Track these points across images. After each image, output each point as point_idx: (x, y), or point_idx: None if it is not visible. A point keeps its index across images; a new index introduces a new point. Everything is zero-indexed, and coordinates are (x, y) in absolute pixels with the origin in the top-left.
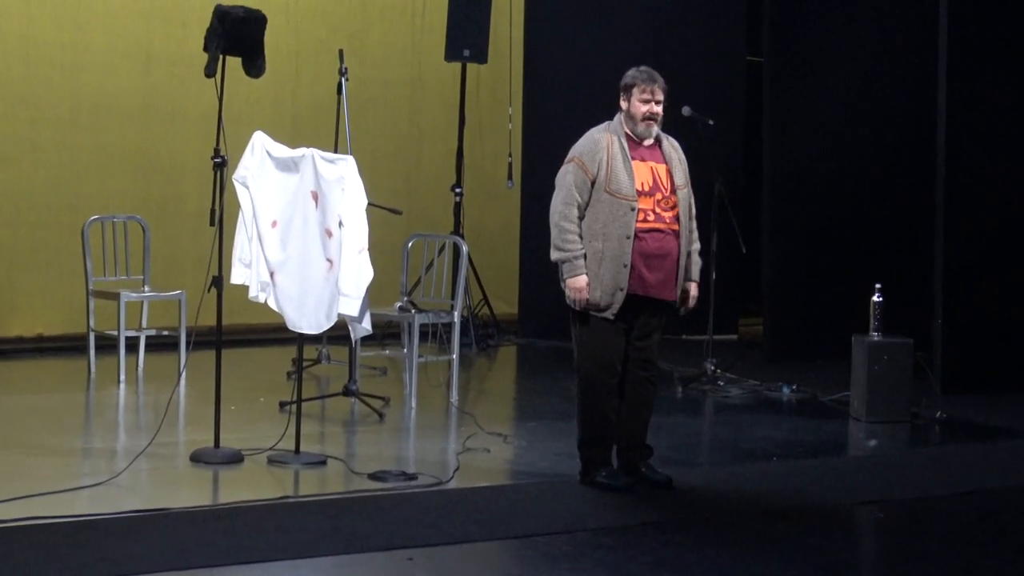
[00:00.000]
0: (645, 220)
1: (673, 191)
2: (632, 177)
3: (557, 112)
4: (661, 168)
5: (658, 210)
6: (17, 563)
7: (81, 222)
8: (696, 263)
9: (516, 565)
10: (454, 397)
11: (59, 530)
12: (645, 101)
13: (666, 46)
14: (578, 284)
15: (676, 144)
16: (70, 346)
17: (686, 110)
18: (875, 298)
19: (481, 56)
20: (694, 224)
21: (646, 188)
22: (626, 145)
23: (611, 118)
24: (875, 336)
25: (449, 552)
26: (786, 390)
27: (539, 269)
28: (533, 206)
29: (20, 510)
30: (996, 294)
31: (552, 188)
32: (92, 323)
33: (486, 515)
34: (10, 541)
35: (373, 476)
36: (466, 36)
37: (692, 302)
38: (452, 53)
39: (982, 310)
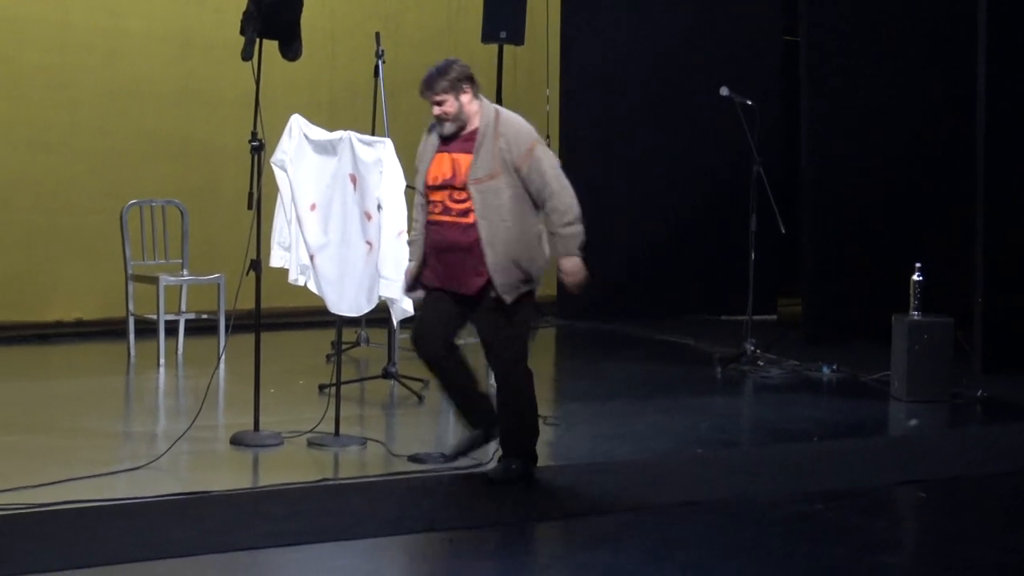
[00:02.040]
0: (434, 213)
1: (465, 183)
2: (427, 172)
3: (594, 93)
4: (465, 159)
5: (448, 203)
6: (57, 546)
7: (119, 207)
8: (563, 237)
9: (558, 546)
10: (492, 380)
11: (99, 513)
12: (431, 107)
13: (703, 26)
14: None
15: (506, 130)
16: (109, 330)
17: (724, 91)
18: (915, 277)
19: (518, 38)
20: (553, 203)
21: (438, 182)
22: (436, 140)
23: (646, 97)
24: (915, 315)
25: (489, 533)
26: (826, 370)
27: None
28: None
29: (60, 494)
30: None
31: (590, 168)
32: (131, 307)
33: (526, 496)
34: (51, 524)
35: (413, 458)
36: (503, 18)
37: (569, 277)
38: (489, 35)
39: (1023, 288)
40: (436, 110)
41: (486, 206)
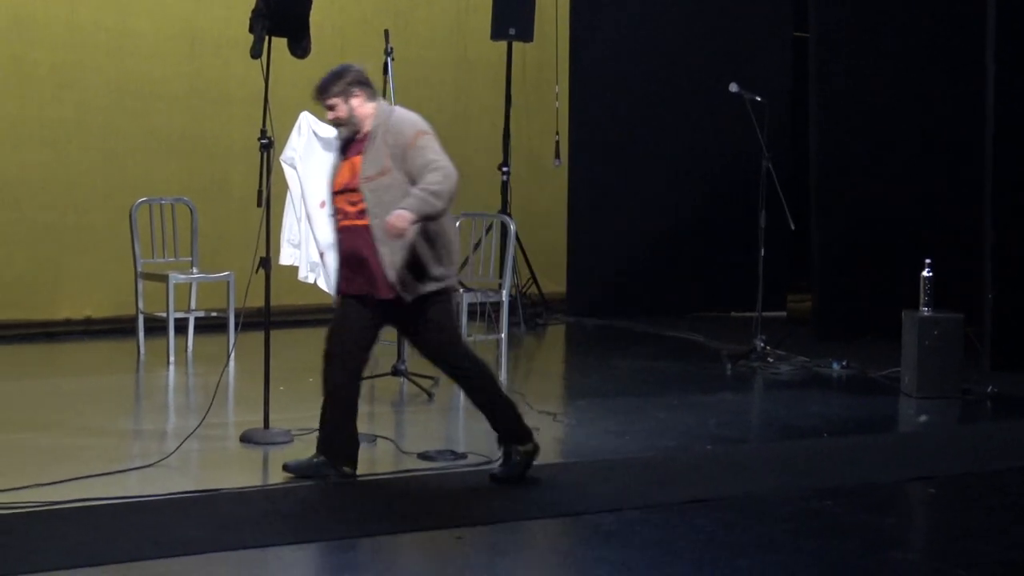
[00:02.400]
0: (339, 220)
1: (357, 185)
2: (332, 182)
3: (603, 90)
4: (359, 160)
5: (347, 207)
6: (68, 544)
7: (128, 205)
8: (414, 194)
9: (565, 543)
10: (503, 376)
11: (110, 511)
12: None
13: (712, 22)
14: None
15: (395, 125)
16: (119, 328)
17: (733, 87)
18: (925, 273)
19: (527, 34)
20: (428, 175)
21: (338, 187)
22: (340, 145)
23: (656, 94)
24: (925, 311)
25: (498, 531)
26: (836, 366)
27: (587, 247)
28: (581, 184)
29: (71, 492)
30: None
31: (600, 165)
32: (141, 305)
33: (535, 494)
34: (62, 522)
35: (422, 455)
36: (512, 14)
37: (391, 219)
38: (498, 32)
39: None
40: (329, 115)
41: (378, 203)
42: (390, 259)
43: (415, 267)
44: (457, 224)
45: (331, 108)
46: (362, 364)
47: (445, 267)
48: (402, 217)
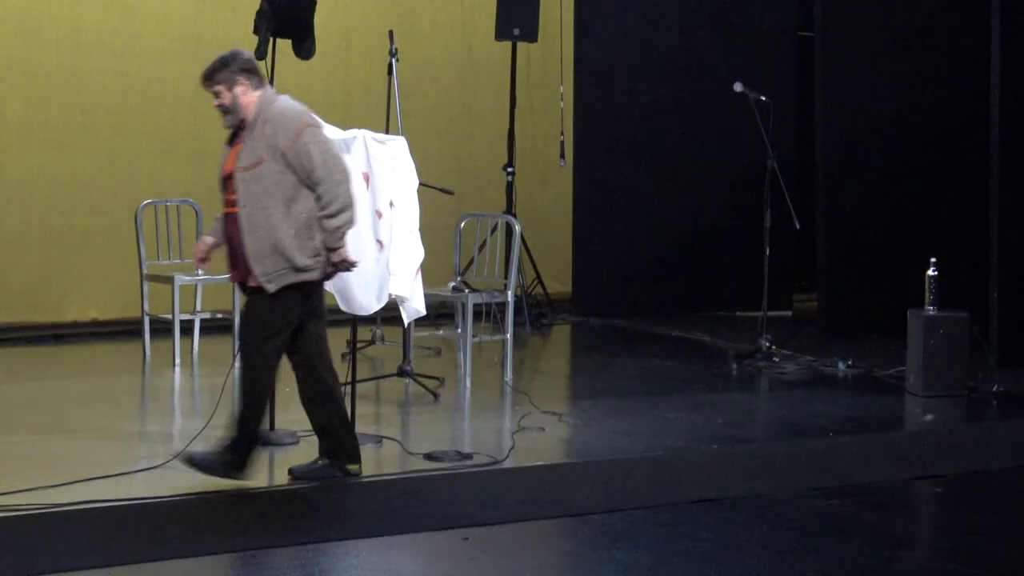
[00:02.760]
0: (223, 207)
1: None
2: (221, 166)
3: (608, 90)
4: (240, 149)
5: (228, 195)
6: (75, 546)
7: (134, 206)
8: (324, 228)
9: (572, 544)
10: (508, 376)
11: (116, 513)
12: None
13: (717, 22)
14: None
15: (274, 116)
16: (125, 330)
17: (738, 86)
18: (930, 272)
19: (532, 35)
20: (319, 190)
21: (223, 175)
22: (229, 135)
23: (660, 94)
24: (931, 310)
25: (504, 531)
26: (842, 365)
27: (592, 247)
28: (585, 184)
29: (77, 494)
30: None
31: (604, 165)
32: (146, 307)
33: (541, 494)
34: (68, 524)
35: (428, 456)
36: (516, 15)
37: (340, 265)
38: (502, 32)
39: None
40: (213, 102)
41: (249, 193)
42: (253, 248)
43: (279, 257)
44: (462, 225)
45: (216, 95)
46: (315, 354)
47: (307, 258)
48: (339, 258)
